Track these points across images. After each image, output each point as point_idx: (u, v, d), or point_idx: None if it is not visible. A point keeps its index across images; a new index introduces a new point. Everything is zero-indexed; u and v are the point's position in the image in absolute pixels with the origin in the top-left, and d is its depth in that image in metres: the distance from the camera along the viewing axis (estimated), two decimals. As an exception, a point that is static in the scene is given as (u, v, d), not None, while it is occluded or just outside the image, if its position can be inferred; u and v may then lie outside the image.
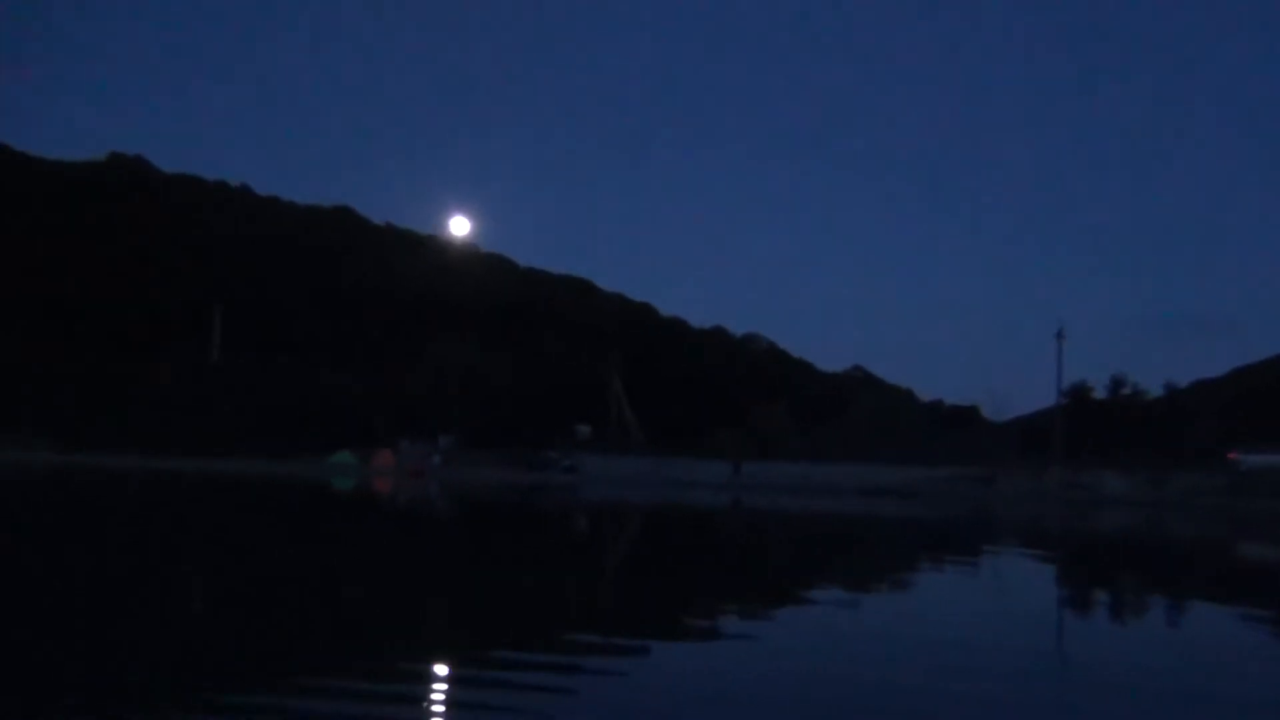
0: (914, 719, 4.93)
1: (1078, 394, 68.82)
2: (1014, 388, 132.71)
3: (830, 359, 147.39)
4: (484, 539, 17.07)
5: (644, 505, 30.50)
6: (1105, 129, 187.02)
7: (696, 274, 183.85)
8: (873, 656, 6.36)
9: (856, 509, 31.50)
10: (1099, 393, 70.56)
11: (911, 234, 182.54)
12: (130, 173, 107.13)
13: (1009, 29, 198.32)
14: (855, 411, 75.99)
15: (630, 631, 7.20)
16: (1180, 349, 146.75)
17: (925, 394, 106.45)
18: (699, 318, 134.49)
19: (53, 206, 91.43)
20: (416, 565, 11.73)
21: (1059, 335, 60.98)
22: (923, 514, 29.88)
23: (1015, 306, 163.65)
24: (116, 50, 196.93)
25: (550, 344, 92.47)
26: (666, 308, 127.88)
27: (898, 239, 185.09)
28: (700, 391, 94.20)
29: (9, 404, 60.99)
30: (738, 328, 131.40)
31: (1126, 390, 70.05)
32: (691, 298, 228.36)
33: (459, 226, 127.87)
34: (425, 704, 4.98)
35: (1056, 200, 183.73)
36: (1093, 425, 61.53)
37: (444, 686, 5.43)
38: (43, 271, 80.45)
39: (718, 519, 25.35)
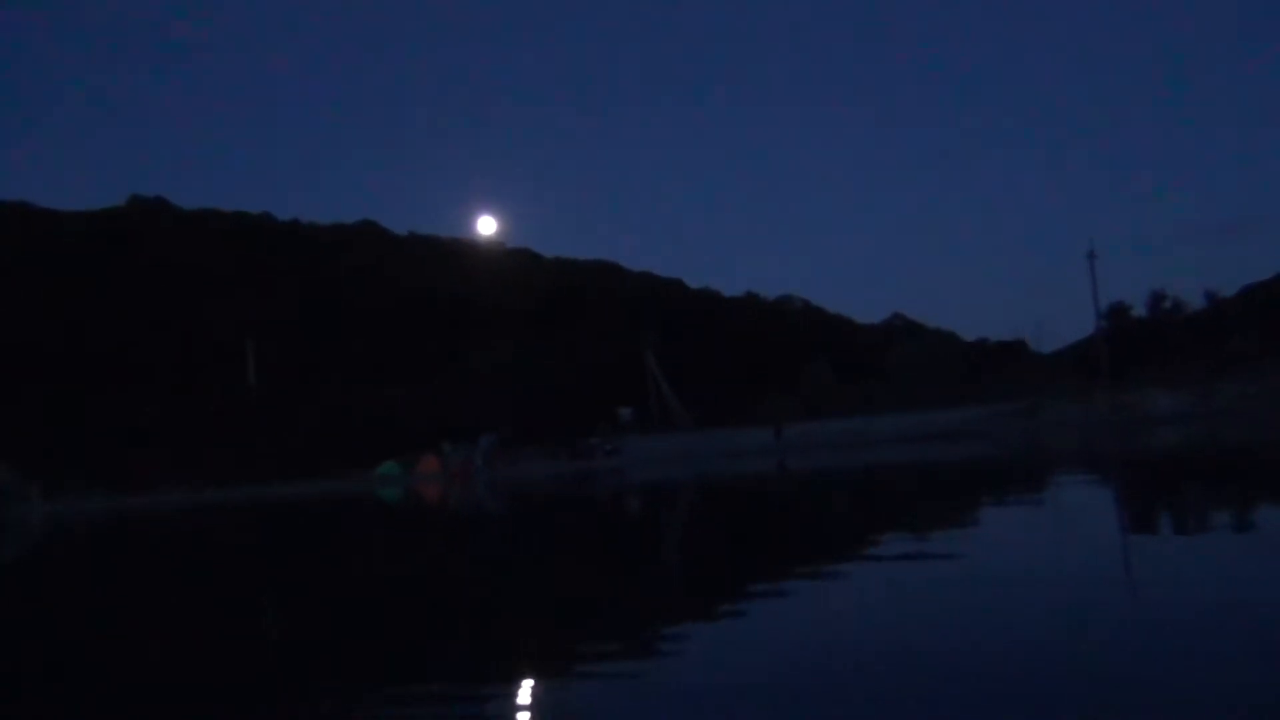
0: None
1: (1117, 314, 67.76)
2: (1060, 316, 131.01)
3: (869, 311, 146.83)
4: (532, 532, 16.98)
5: (683, 480, 30.24)
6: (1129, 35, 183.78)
7: (723, 243, 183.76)
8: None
9: (897, 457, 31.13)
10: (1139, 310, 69.55)
11: (935, 172, 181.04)
12: (151, 214, 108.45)
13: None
14: (894, 360, 75.25)
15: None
16: (1226, 255, 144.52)
17: (970, 334, 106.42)
18: (731, 286, 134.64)
19: (78, 256, 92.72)
20: (472, 565, 11.62)
21: (1090, 255, 59.87)
22: (966, 454, 29.45)
23: (1052, 233, 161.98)
24: (124, 94, 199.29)
25: (584, 331, 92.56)
26: (697, 280, 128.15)
27: (922, 180, 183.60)
28: (740, 359, 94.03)
29: (57, 454, 62.08)
30: (771, 291, 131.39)
31: (1167, 304, 68.89)
32: (721, 267, 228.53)
33: (486, 226, 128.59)
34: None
35: (1077, 118, 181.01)
36: (1136, 344, 60.53)
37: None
38: (77, 322, 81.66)
39: (755, 484, 25.12)
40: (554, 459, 59.12)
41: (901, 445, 40.72)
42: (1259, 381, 41.75)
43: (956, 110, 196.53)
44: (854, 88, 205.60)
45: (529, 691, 4.84)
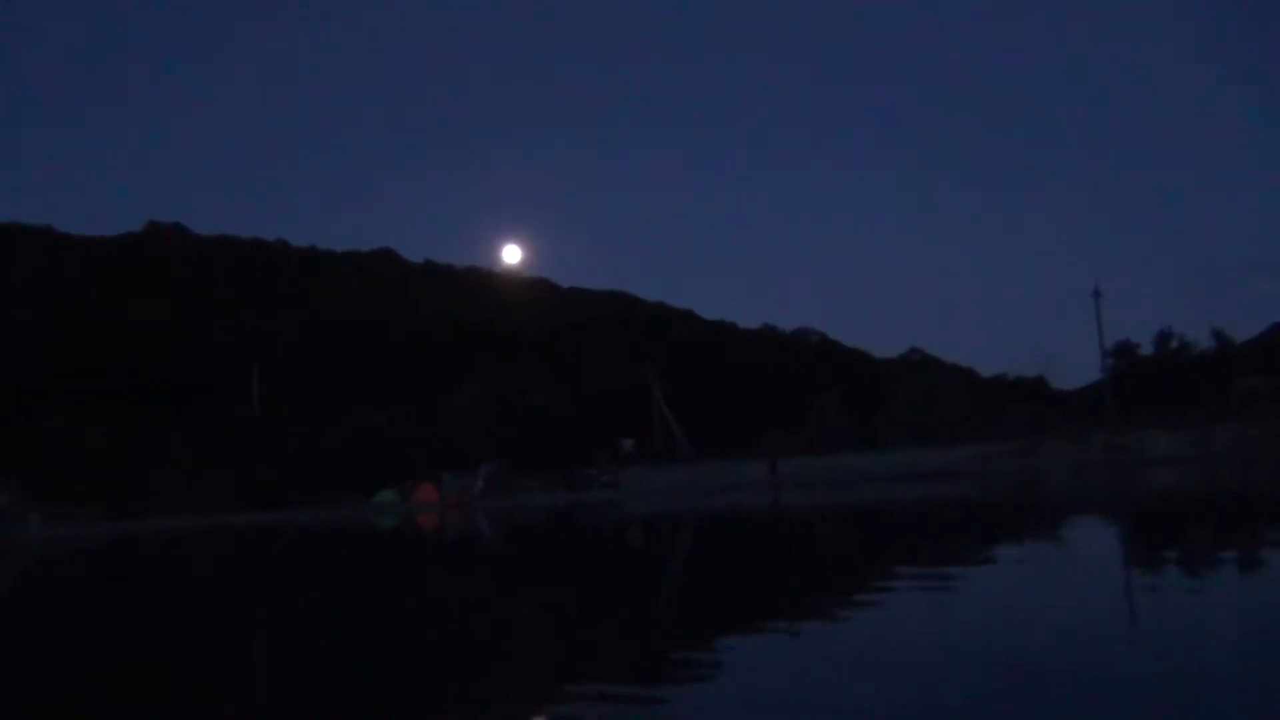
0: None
1: (1124, 353, 67.03)
2: (1084, 353, 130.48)
3: (887, 345, 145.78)
4: (517, 565, 16.84)
5: (674, 516, 29.95)
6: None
7: (745, 275, 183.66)
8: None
9: (882, 496, 30.80)
10: (1146, 349, 68.74)
11: (962, 208, 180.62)
12: (168, 240, 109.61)
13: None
14: (901, 395, 74.52)
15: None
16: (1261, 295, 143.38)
17: (990, 369, 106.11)
18: (749, 318, 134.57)
19: (93, 281, 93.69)
20: (451, 600, 11.49)
21: (1096, 294, 59.20)
22: (948, 496, 29.07)
23: (1078, 268, 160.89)
24: (144, 119, 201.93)
25: (593, 361, 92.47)
26: (715, 312, 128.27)
27: (948, 215, 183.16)
28: (751, 392, 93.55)
29: (56, 476, 62.37)
30: (788, 324, 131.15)
31: (1174, 344, 68.04)
32: (743, 300, 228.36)
33: (511, 255, 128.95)
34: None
35: (1102, 159, 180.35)
36: (1143, 383, 59.84)
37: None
38: (87, 345, 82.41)
39: (740, 524, 24.86)
40: (551, 490, 58.84)
41: (892, 483, 40.31)
42: (1259, 425, 41.07)
43: (982, 145, 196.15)
44: (879, 122, 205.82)
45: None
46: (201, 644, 8.65)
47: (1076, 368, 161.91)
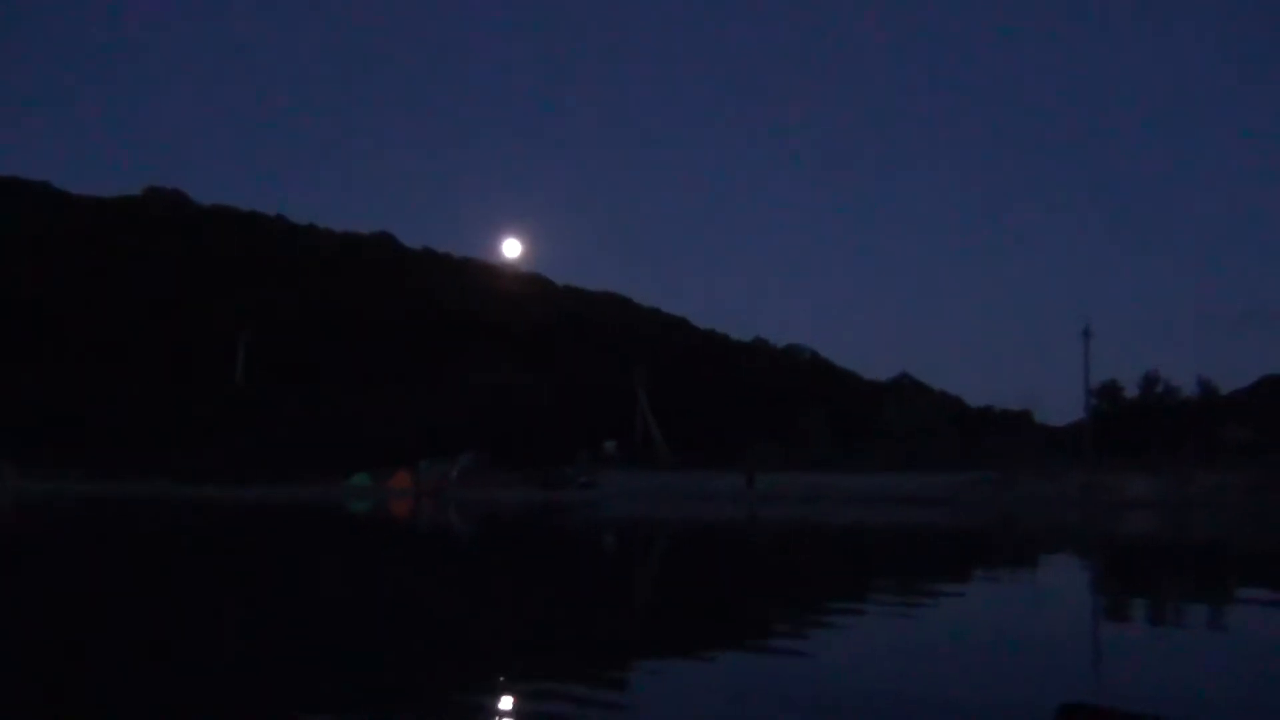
0: None
1: (1109, 393, 67.30)
2: (1068, 390, 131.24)
3: (877, 368, 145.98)
4: (465, 560, 16.74)
5: (648, 522, 29.97)
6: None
7: (743, 289, 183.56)
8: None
9: (861, 518, 30.85)
10: (1131, 391, 68.97)
11: (958, 239, 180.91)
12: (166, 206, 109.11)
13: (1032, 26, 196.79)
14: (888, 419, 74.70)
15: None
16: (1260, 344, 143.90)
17: (978, 400, 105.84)
18: (741, 331, 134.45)
19: (90, 240, 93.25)
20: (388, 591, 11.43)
21: (1085, 333, 59.47)
22: (930, 521, 29.15)
23: (1065, 310, 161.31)
24: (152, 85, 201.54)
25: (582, 360, 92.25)
26: (710, 323, 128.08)
27: (943, 244, 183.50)
28: (738, 404, 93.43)
29: (37, 435, 62.09)
30: (781, 340, 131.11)
31: (1159, 389, 68.24)
32: (736, 313, 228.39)
33: (511, 249, 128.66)
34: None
35: (1107, 199, 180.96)
36: (1126, 424, 60.03)
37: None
38: (76, 304, 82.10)
39: (701, 533, 24.85)
40: (528, 485, 58.63)
41: (870, 505, 40.36)
42: (1237, 474, 41.20)
43: (986, 176, 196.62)
44: (886, 146, 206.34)
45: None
46: (121, 619, 8.53)
47: (1063, 405, 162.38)
